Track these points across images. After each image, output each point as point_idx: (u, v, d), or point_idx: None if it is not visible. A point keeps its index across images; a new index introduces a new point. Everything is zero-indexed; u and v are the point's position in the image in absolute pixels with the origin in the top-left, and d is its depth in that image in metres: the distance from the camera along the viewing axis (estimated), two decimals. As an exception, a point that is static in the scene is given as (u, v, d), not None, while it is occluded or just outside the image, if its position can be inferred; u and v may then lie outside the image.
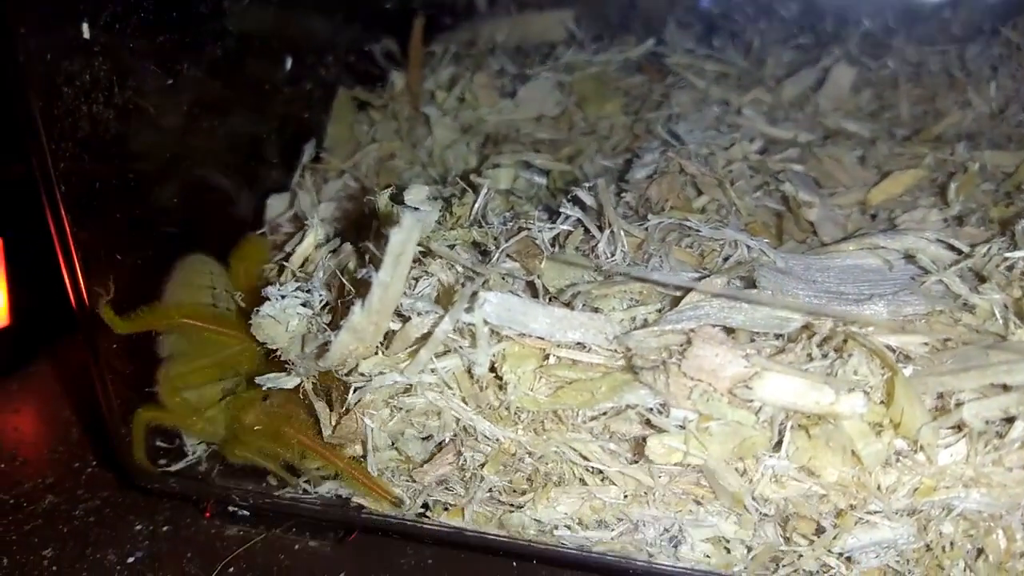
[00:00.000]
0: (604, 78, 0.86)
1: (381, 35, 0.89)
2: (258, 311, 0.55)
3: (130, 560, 0.58)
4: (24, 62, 0.47)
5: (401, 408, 0.53)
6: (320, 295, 0.57)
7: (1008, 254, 0.52)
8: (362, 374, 0.53)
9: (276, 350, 0.56)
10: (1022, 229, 0.54)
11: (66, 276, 0.53)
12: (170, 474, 0.61)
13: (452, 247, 0.56)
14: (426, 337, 0.50)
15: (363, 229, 0.62)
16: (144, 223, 0.58)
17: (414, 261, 0.55)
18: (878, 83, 0.82)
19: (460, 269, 0.54)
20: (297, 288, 0.57)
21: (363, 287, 0.51)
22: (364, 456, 0.55)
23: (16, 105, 0.48)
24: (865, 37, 0.85)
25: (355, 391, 0.53)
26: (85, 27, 0.51)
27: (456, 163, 0.78)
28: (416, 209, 0.54)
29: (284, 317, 0.55)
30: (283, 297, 0.56)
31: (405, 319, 0.52)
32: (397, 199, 0.56)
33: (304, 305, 0.56)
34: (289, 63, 0.75)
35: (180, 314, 0.57)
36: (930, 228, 0.58)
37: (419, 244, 0.55)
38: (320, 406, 0.56)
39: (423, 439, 0.54)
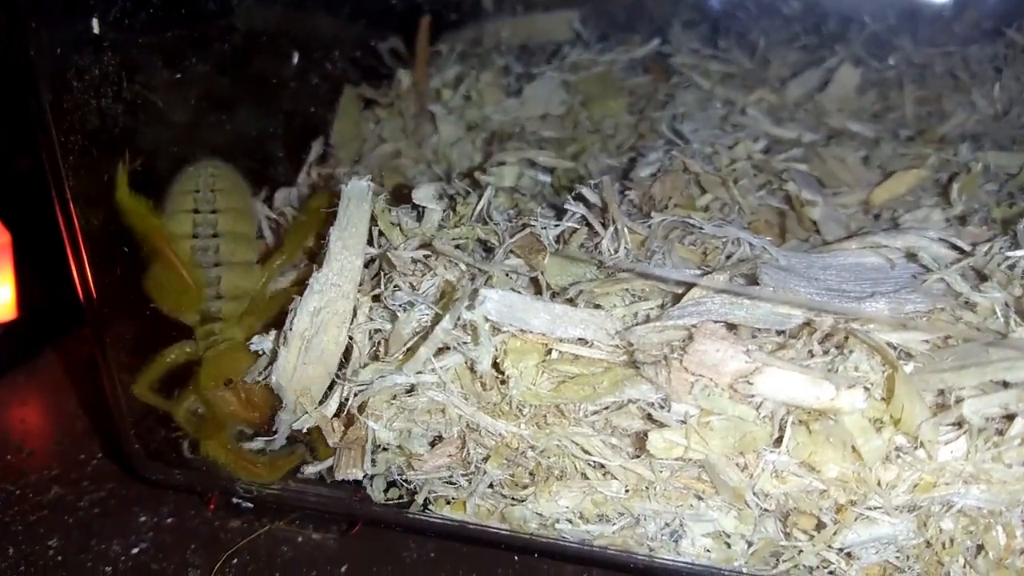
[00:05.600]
0: (609, 77, 0.86)
1: (388, 33, 0.90)
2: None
3: (134, 551, 0.59)
4: (35, 56, 0.48)
5: (404, 408, 0.53)
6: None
7: (1009, 253, 0.52)
8: (363, 381, 0.53)
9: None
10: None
11: (74, 269, 0.54)
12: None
13: (457, 246, 0.56)
14: (425, 334, 0.51)
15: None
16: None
17: (417, 261, 0.56)
18: (882, 84, 0.82)
19: (463, 267, 0.55)
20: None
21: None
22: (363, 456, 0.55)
23: (27, 99, 0.48)
24: (870, 38, 0.85)
25: (356, 396, 0.54)
26: (95, 22, 0.52)
27: (461, 161, 0.78)
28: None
29: None
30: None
31: (394, 317, 0.53)
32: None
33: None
34: (295, 59, 0.75)
35: (154, 229, 0.56)
36: (932, 227, 0.58)
37: (424, 245, 0.56)
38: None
39: (431, 436, 0.55)
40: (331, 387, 0.55)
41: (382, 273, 0.56)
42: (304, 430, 0.56)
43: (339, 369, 0.55)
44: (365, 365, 0.53)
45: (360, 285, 0.56)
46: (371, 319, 0.55)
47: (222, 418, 0.57)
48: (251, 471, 0.58)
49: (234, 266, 0.60)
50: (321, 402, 0.55)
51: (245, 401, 0.57)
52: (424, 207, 0.58)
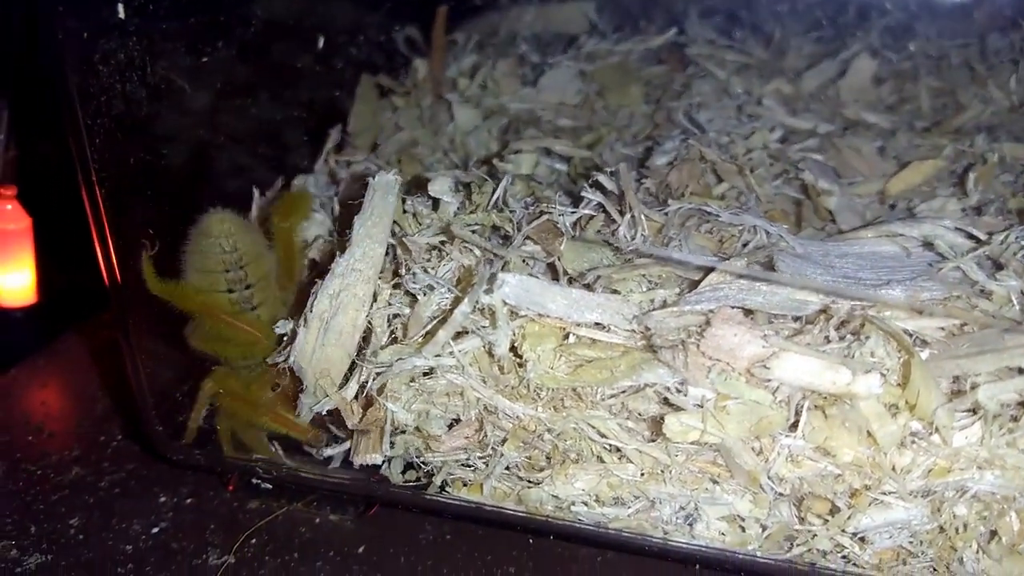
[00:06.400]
0: (625, 67, 0.86)
1: (404, 23, 0.90)
2: None
3: (154, 531, 0.59)
4: (63, 40, 0.48)
5: (423, 391, 0.54)
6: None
7: (1025, 242, 0.52)
8: (382, 363, 0.54)
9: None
10: (1040, 218, 0.54)
11: (99, 252, 0.54)
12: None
13: (472, 232, 0.57)
14: (444, 318, 0.52)
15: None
16: (174, 201, 0.59)
17: (433, 248, 0.57)
18: (899, 75, 0.82)
19: (478, 253, 0.56)
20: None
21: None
22: (382, 439, 0.56)
23: (55, 82, 0.49)
24: (886, 30, 0.85)
25: (375, 378, 0.54)
26: (120, 7, 0.52)
27: (477, 149, 0.78)
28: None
29: None
30: None
31: (413, 301, 0.53)
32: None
33: None
34: (318, 45, 0.76)
35: (201, 302, 0.58)
36: (948, 217, 0.58)
37: (441, 231, 0.57)
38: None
39: (448, 419, 0.55)
40: (351, 371, 0.56)
41: (399, 260, 0.57)
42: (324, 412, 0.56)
43: (358, 353, 0.56)
44: (384, 347, 0.54)
45: (381, 273, 0.57)
46: (390, 304, 0.55)
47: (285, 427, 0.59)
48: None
49: (267, 303, 0.61)
50: (341, 385, 0.56)
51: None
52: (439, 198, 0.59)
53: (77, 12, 0.49)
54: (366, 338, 0.56)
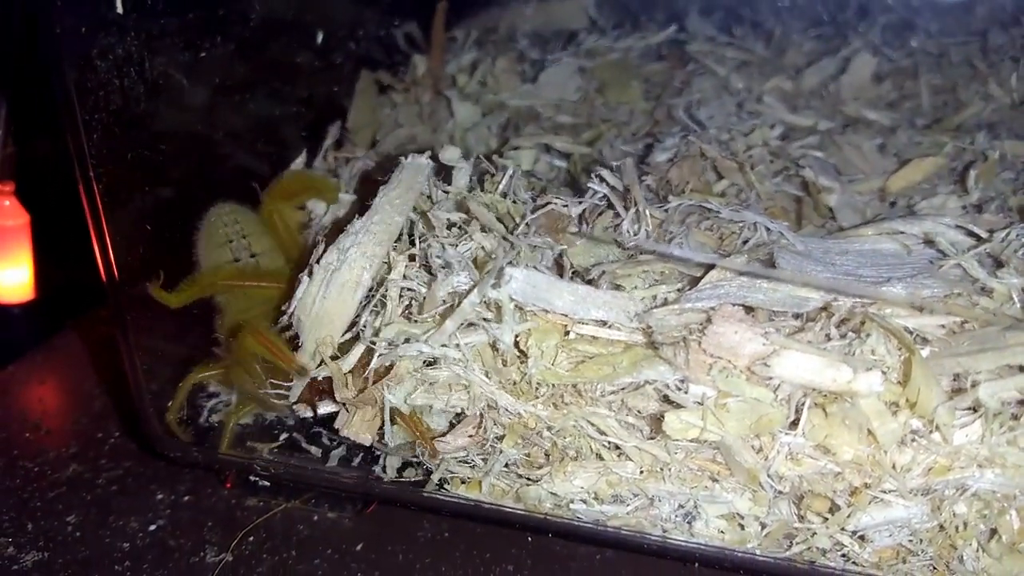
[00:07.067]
0: (625, 64, 0.86)
1: (404, 19, 0.90)
2: None
3: (152, 528, 0.59)
4: (61, 35, 0.48)
5: (425, 380, 0.53)
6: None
7: (1026, 240, 0.52)
8: (385, 341, 0.53)
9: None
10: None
11: (96, 249, 0.54)
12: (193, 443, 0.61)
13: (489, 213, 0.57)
14: (452, 306, 0.51)
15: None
16: (172, 197, 0.59)
17: (453, 226, 0.57)
18: (899, 73, 0.82)
19: (497, 233, 0.55)
20: None
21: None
22: (381, 427, 0.55)
23: (52, 77, 0.48)
24: (886, 27, 0.85)
25: (378, 358, 0.53)
26: (118, 2, 0.52)
27: (477, 145, 0.79)
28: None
29: None
30: None
31: (431, 278, 0.53)
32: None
33: None
34: (317, 40, 0.76)
35: (220, 278, 0.60)
36: (949, 214, 0.58)
37: (457, 207, 0.57)
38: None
39: (451, 414, 0.55)
40: (353, 342, 0.55)
41: (417, 234, 0.57)
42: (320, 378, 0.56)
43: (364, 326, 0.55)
44: (389, 324, 0.53)
45: (398, 241, 0.57)
46: (406, 277, 0.55)
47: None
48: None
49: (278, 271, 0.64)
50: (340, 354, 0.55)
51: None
52: (452, 167, 0.60)
53: (75, 7, 0.49)
54: (376, 312, 0.55)
